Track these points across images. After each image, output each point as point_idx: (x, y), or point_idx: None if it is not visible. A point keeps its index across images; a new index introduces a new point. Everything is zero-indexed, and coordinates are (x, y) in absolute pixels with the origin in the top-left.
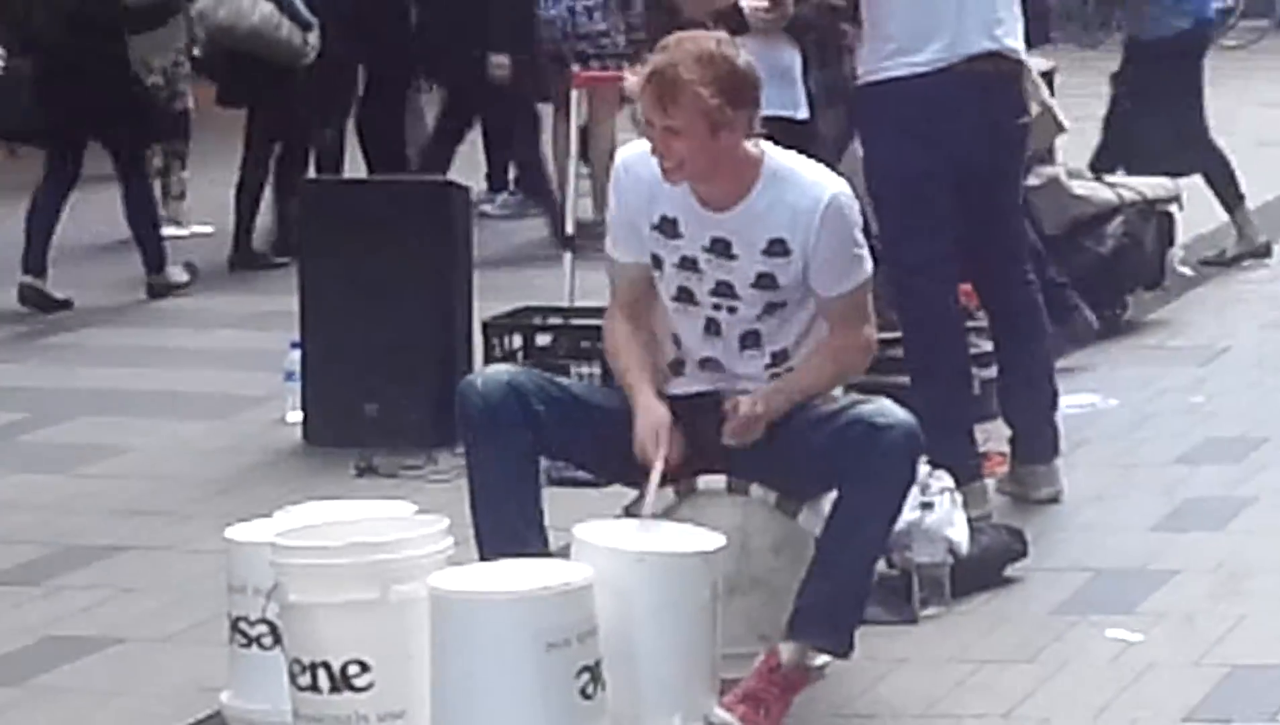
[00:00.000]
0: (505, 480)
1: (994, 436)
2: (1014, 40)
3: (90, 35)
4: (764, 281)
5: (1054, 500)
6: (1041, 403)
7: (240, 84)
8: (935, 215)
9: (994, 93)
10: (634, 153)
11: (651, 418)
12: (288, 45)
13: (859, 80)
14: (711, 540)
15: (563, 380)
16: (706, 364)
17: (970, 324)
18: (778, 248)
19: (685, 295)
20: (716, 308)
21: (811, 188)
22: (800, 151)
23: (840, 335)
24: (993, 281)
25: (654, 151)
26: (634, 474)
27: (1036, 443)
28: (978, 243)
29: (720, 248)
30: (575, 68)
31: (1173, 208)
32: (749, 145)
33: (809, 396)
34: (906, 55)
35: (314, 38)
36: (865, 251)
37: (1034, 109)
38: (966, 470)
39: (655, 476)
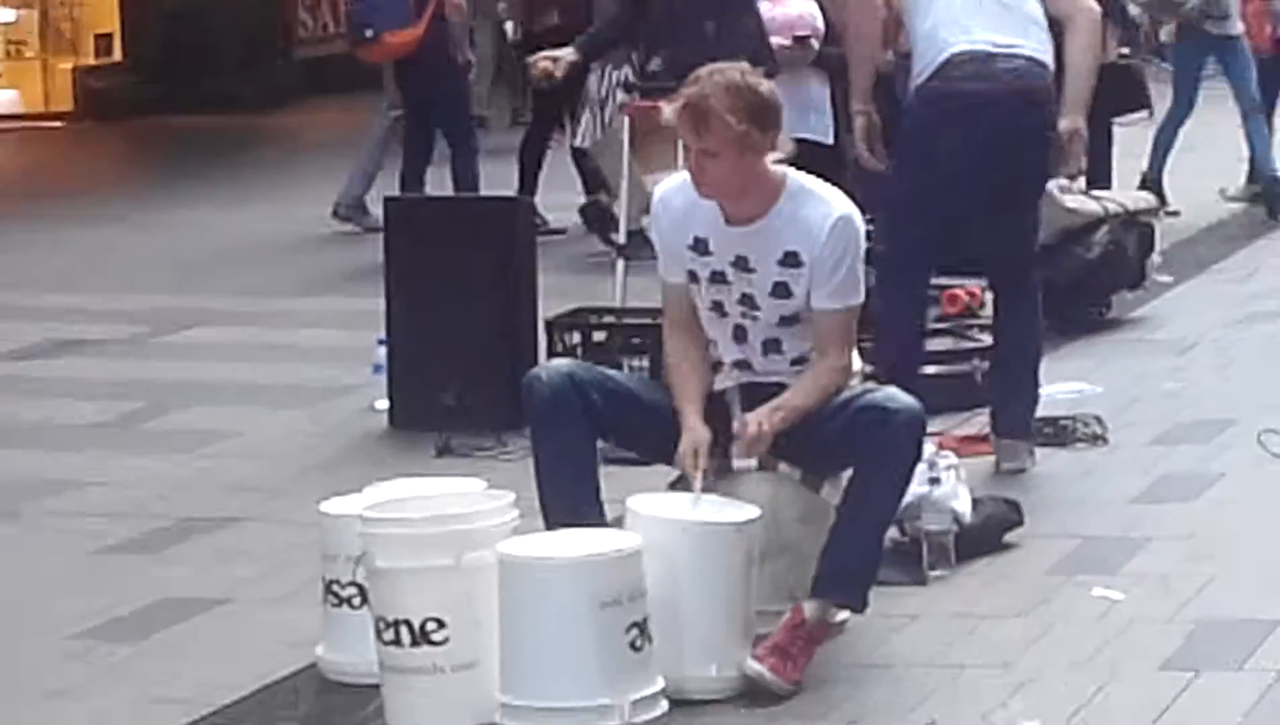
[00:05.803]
0: (566, 460)
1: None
2: (1044, 56)
3: None
4: (779, 291)
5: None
6: (1021, 388)
7: None
8: (942, 208)
9: (1028, 105)
10: (668, 187)
11: (693, 438)
12: None
13: (914, 84)
14: (747, 512)
15: (616, 373)
16: (739, 364)
17: (971, 321)
18: (791, 259)
19: (717, 307)
20: (743, 316)
21: (824, 205)
22: (826, 172)
23: (829, 356)
24: (1005, 280)
25: (690, 172)
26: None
27: (1004, 417)
28: (997, 237)
29: (741, 264)
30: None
31: (1152, 219)
32: (774, 168)
33: (803, 414)
34: (945, 47)
35: None
36: (862, 278)
37: None
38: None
39: (698, 483)
